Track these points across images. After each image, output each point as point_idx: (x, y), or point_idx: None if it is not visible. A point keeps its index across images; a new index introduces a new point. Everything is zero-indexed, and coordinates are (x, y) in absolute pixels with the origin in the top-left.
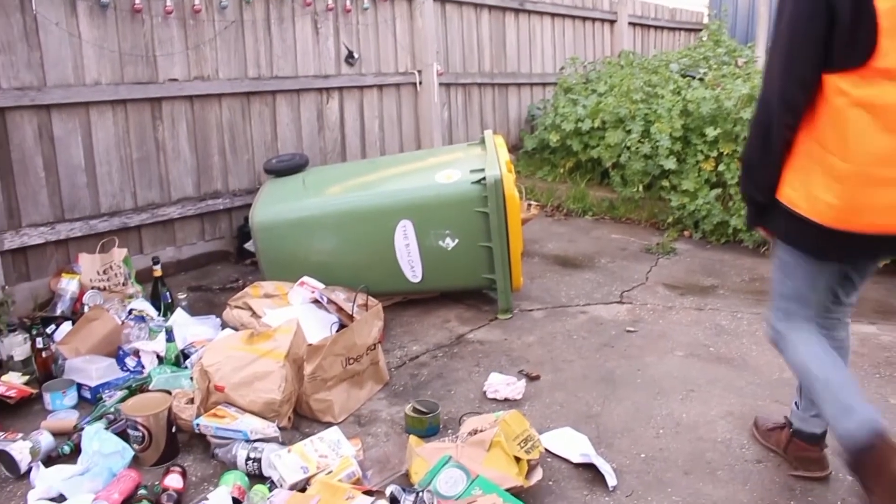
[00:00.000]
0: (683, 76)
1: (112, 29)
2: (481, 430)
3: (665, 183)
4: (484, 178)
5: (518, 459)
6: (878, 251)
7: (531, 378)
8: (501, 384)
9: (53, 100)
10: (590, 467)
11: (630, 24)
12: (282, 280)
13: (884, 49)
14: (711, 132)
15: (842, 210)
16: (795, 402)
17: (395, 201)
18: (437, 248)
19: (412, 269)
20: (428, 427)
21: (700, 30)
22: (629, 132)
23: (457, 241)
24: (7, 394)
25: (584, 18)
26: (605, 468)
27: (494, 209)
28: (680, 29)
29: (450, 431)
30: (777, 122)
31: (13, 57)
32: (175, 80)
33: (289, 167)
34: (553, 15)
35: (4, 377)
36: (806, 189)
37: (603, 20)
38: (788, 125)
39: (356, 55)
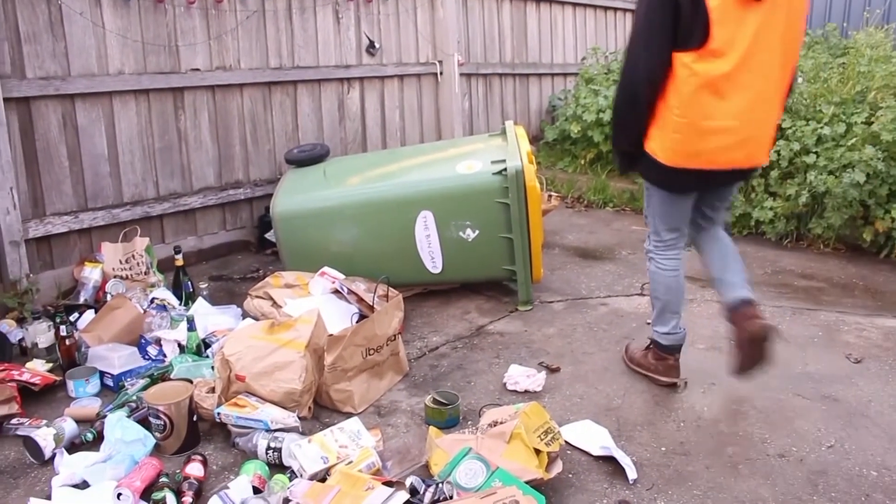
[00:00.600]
0: None
1: (135, 19)
2: (501, 422)
3: None
4: (505, 169)
5: (538, 452)
6: (719, 181)
7: (551, 370)
8: (521, 376)
9: (77, 89)
10: (610, 460)
11: None
12: (303, 270)
13: (714, 35)
14: None
15: (683, 154)
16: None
17: (415, 192)
18: (458, 240)
19: (432, 260)
20: (448, 418)
21: None
22: None
23: (477, 231)
24: (32, 381)
25: (606, 8)
26: (625, 461)
27: (515, 200)
28: None
29: (469, 423)
30: (641, 91)
31: (38, 47)
32: (197, 69)
33: (310, 157)
34: (574, 4)
35: (29, 364)
36: (661, 141)
37: (625, 10)
38: (650, 93)
39: (377, 45)
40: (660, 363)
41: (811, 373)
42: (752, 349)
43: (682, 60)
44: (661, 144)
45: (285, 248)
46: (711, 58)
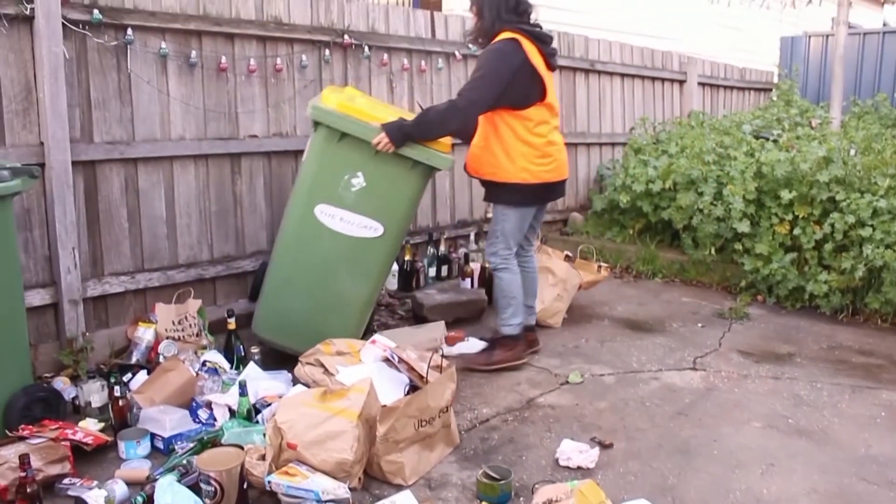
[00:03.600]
0: (757, 137)
1: (198, 86)
2: (556, 501)
3: (738, 246)
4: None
5: None
6: (549, 196)
7: (604, 446)
8: (574, 451)
9: (141, 153)
10: None
11: (699, 83)
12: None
13: (548, 95)
14: (786, 195)
15: (532, 173)
16: (501, 319)
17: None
18: (359, 191)
19: (366, 228)
20: (500, 494)
21: (770, 89)
22: (701, 194)
23: (359, 174)
24: (84, 440)
25: (654, 79)
26: None
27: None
28: (750, 89)
29: (521, 499)
30: (468, 122)
31: (107, 113)
32: (255, 136)
33: None
34: (623, 75)
35: (81, 423)
36: (513, 170)
37: (672, 80)
38: (469, 125)
39: None
40: (514, 350)
41: (875, 455)
42: (524, 353)
43: (520, 114)
44: (515, 171)
45: None
46: (544, 109)
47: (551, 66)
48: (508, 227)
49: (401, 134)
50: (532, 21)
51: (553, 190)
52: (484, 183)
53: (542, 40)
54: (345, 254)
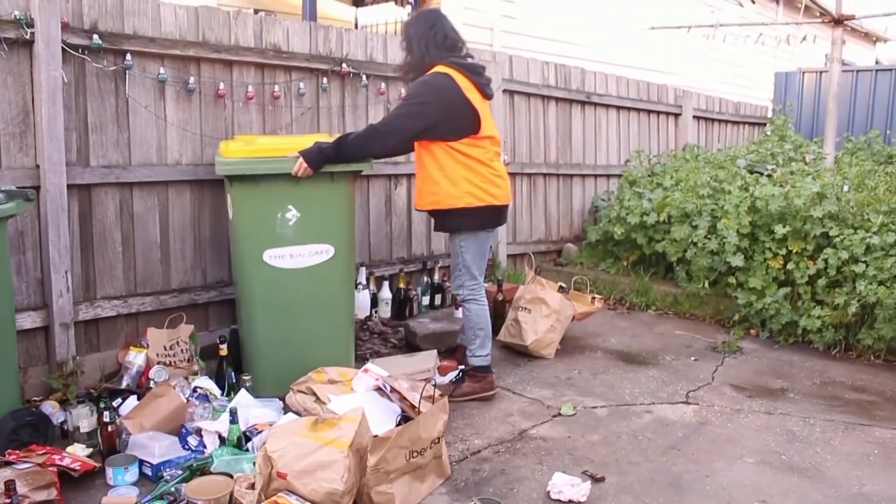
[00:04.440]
0: (751, 172)
1: (196, 112)
2: None
3: (731, 280)
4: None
5: None
6: (499, 220)
7: (596, 479)
8: (566, 485)
9: (136, 178)
10: None
11: (695, 117)
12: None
13: (483, 126)
14: (780, 230)
15: (476, 196)
16: (469, 350)
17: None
18: (295, 224)
19: (319, 254)
20: None
21: (764, 124)
22: (695, 227)
23: (291, 209)
24: (72, 466)
25: (650, 112)
26: None
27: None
28: (744, 123)
29: None
30: (384, 147)
31: (104, 137)
32: None
33: None
34: (619, 108)
35: (69, 448)
36: (457, 193)
37: (668, 113)
38: (396, 149)
39: None
40: (482, 382)
41: (868, 494)
42: (492, 385)
43: (455, 145)
44: (468, 194)
45: None
46: (484, 141)
47: (486, 96)
48: (469, 258)
49: (320, 156)
50: (463, 54)
51: (501, 213)
52: (431, 213)
53: (474, 71)
54: (309, 285)
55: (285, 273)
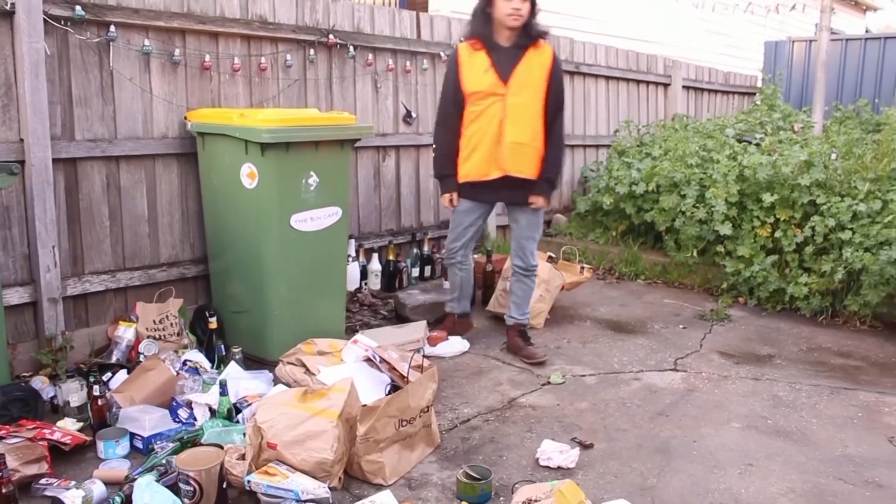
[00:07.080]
0: (739, 141)
1: (181, 85)
2: (536, 500)
3: (720, 248)
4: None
5: None
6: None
7: (584, 446)
8: (554, 451)
9: (123, 151)
10: None
11: (684, 87)
12: None
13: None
14: (768, 198)
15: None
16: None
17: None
18: (315, 191)
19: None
20: (480, 494)
21: (754, 94)
22: (684, 197)
23: (312, 175)
24: (62, 440)
25: (639, 81)
26: None
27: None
28: (734, 93)
29: (502, 499)
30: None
31: (88, 110)
32: None
33: None
34: (608, 78)
35: (60, 423)
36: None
37: (657, 83)
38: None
39: (414, 114)
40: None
41: (852, 455)
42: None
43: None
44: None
45: None
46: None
47: None
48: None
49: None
50: None
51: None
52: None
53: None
54: (321, 246)
55: (309, 236)
